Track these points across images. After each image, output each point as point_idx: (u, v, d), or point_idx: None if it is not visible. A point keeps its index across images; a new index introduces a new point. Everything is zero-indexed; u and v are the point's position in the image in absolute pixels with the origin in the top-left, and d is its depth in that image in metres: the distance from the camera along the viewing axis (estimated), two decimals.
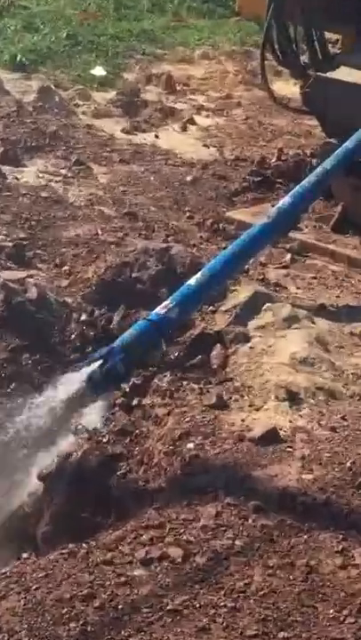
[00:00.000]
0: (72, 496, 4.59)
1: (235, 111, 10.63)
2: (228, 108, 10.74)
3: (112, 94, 10.62)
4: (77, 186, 7.79)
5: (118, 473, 4.67)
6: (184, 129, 9.82)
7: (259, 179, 8.21)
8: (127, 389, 5.12)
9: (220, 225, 7.29)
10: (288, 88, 9.94)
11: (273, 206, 6.50)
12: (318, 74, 7.73)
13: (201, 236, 7.09)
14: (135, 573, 3.61)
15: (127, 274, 6.07)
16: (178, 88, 11.22)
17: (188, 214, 7.54)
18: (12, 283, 5.84)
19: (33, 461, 4.62)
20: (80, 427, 4.85)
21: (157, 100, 10.65)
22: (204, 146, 9.36)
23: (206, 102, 10.87)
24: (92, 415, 4.83)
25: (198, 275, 5.49)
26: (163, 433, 4.69)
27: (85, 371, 4.67)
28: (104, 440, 4.82)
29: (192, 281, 5.46)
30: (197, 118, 10.19)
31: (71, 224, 6.93)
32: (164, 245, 6.39)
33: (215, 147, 9.33)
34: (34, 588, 3.55)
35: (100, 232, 6.80)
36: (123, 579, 3.57)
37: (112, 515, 4.43)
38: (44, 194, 7.43)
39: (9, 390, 5.25)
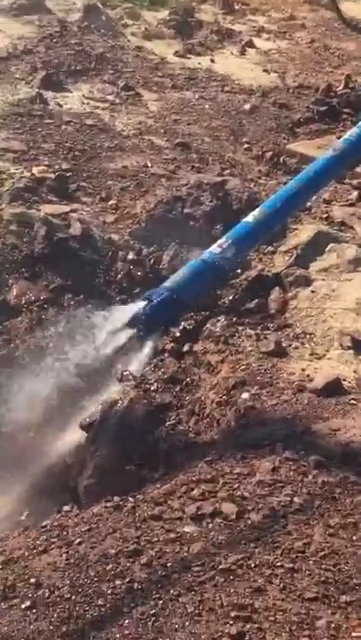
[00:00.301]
0: (117, 447, 4.63)
1: (298, 33, 10.52)
2: (292, 29, 10.64)
3: (164, 14, 10.55)
4: (125, 113, 7.77)
5: (167, 423, 4.69)
6: (242, 52, 9.75)
7: (324, 108, 8.14)
8: (178, 334, 5.13)
9: (281, 158, 7.24)
10: (359, 8, 9.81)
11: (339, 138, 6.44)
12: None
13: (259, 170, 7.05)
14: (185, 530, 3.64)
15: (179, 209, 6.07)
16: (236, 7, 11.12)
17: (245, 146, 7.50)
18: (54, 218, 5.86)
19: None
20: (126, 373, 4.89)
21: (214, 20, 10.57)
22: (265, 71, 9.29)
23: (267, 23, 10.77)
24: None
25: (256, 211, 5.49)
26: (216, 382, 4.70)
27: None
28: (152, 388, 4.84)
29: (249, 218, 5.46)
30: (257, 41, 10.10)
31: (118, 155, 6.92)
32: (220, 179, 6.37)
33: (276, 72, 9.26)
34: (76, 542, 3.60)
35: (149, 164, 6.79)
36: (172, 535, 3.61)
37: (160, 468, 4.46)
38: (89, 121, 7.42)
39: None
